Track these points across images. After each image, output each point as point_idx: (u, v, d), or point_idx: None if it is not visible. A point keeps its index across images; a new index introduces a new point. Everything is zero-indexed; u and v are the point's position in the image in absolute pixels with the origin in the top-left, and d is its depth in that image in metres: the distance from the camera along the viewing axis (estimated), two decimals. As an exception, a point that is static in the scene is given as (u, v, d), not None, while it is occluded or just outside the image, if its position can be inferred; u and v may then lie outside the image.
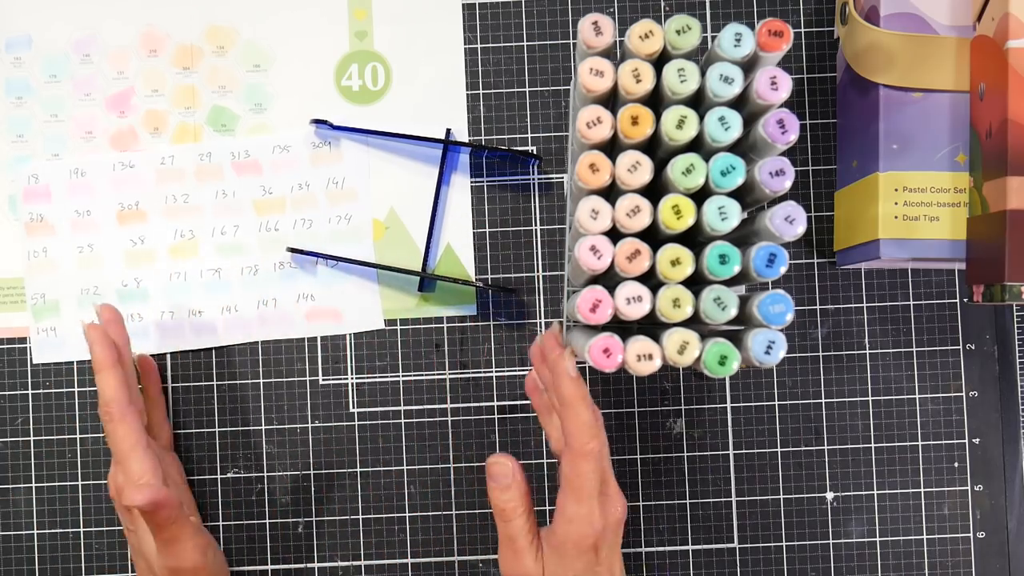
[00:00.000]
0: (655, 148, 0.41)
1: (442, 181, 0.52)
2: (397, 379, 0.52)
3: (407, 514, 0.52)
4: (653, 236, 0.40)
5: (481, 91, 0.53)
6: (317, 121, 0.52)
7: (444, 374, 0.52)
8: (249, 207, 0.53)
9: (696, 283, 0.39)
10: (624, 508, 0.43)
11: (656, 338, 0.39)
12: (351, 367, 0.52)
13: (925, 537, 0.52)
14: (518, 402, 0.52)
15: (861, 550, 0.52)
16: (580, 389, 0.41)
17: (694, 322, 0.39)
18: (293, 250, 0.52)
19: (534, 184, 0.53)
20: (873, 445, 0.52)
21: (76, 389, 0.52)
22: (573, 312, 0.40)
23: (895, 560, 0.52)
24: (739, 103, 0.39)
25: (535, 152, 0.52)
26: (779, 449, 0.52)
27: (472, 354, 0.52)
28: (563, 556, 0.42)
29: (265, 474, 0.52)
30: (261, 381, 0.52)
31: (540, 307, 0.52)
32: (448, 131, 0.52)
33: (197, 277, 0.53)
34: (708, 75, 0.38)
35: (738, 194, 0.39)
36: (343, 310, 0.52)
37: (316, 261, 0.52)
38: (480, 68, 0.53)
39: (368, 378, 0.52)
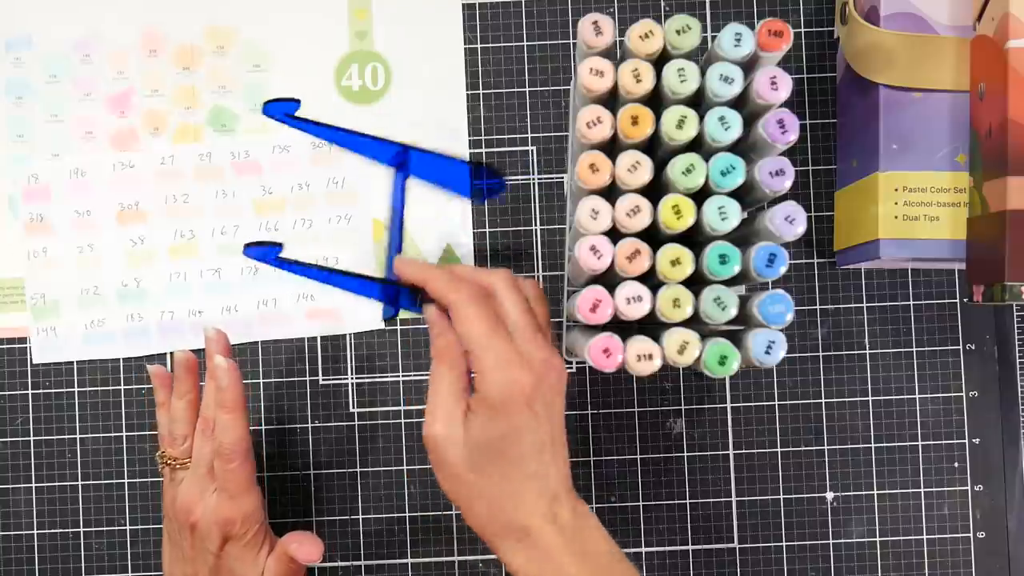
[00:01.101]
0: (655, 148, 0.41)
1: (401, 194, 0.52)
2: (397, 379, 0.52)
3: (407, 514, 0.52)
4: (653, 236, 0.40)
5: (481, 91, 0.53)
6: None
7: (444, 374, 0.52)
8: (249, 207, 0.53)
9: (696, 283, 0.39)
10: (561, 368, 0.40)
11: (656, 338, 0.39)
12: (351, 367, 0.52)
13: (925, 537, 0.52)
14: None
15: (861, 550, 0.52)
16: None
17: (694, 322, 0.39)
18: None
19: (534, 184, 0.53)
20: (873, 445, 0.52)
21: (76, 389, 0.52)
22: (573, 312, 0.40)
23: (895, 560, 0.52)
24: (739, 103, 0.39)
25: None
26: (779, 449, 0.52)
27: (472, 354, 0.52)
28: (492, 411, 0.39)
29: (265, 474, 0.52)
30: (261, 381, 0.52)
31: (540, 307, 0.52)
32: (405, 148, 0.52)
33: (197, 277, 0.53)
34: (708, 75, 0.38)
35: (738, 194, 0.39)
36: (343, 310, 0.52)
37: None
38: (480, 68, 0.53)
39: (368, 378, 0.52)
